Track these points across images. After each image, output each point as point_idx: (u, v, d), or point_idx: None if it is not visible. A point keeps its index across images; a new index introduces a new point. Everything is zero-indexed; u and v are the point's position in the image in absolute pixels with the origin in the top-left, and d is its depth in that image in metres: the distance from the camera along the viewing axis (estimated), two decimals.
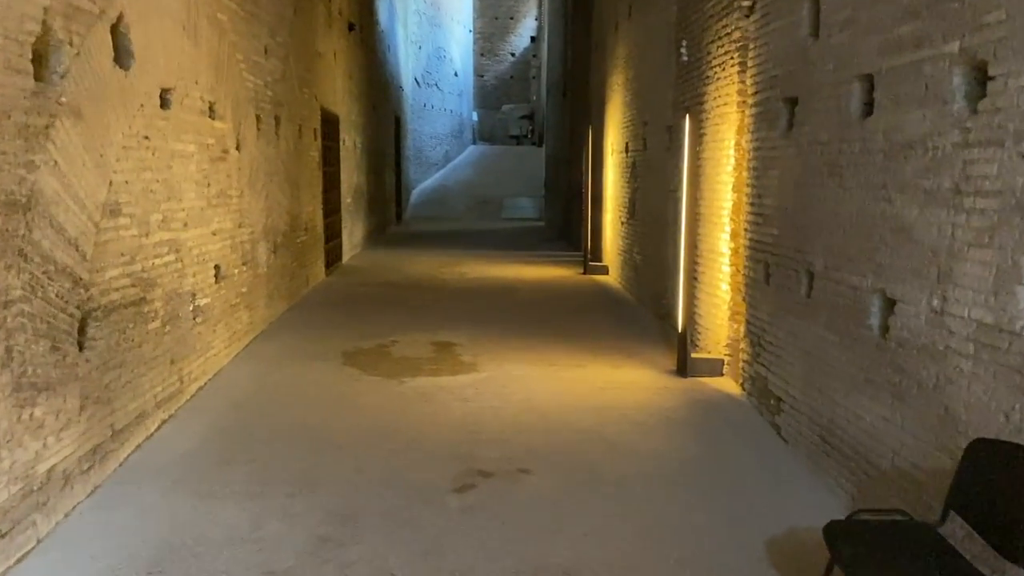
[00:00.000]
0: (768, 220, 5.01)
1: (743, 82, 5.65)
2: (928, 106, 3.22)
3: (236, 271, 6.41)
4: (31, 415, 3.30)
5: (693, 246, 5.94)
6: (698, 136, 6.31)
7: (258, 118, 7.09)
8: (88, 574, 3.14)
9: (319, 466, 4.21)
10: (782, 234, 4.77)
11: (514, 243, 16.16)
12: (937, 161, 3.15)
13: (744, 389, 5.50)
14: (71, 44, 3.61)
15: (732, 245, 5.80)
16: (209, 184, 5.74)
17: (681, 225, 6.02)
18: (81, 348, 3.78)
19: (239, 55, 6.49)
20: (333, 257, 11.24)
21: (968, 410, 2.93)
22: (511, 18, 34.72)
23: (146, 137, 4.59)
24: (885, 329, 3.54)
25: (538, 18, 32.35)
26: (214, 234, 5.84)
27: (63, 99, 3.55)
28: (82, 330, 3.79)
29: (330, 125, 10.90)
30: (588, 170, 11.13)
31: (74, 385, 3.69)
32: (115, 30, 4.11)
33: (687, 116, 5.88)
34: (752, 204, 5.33)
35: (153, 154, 4.69)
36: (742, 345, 5.56)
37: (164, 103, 4.88)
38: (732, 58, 5.80)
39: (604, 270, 11.02)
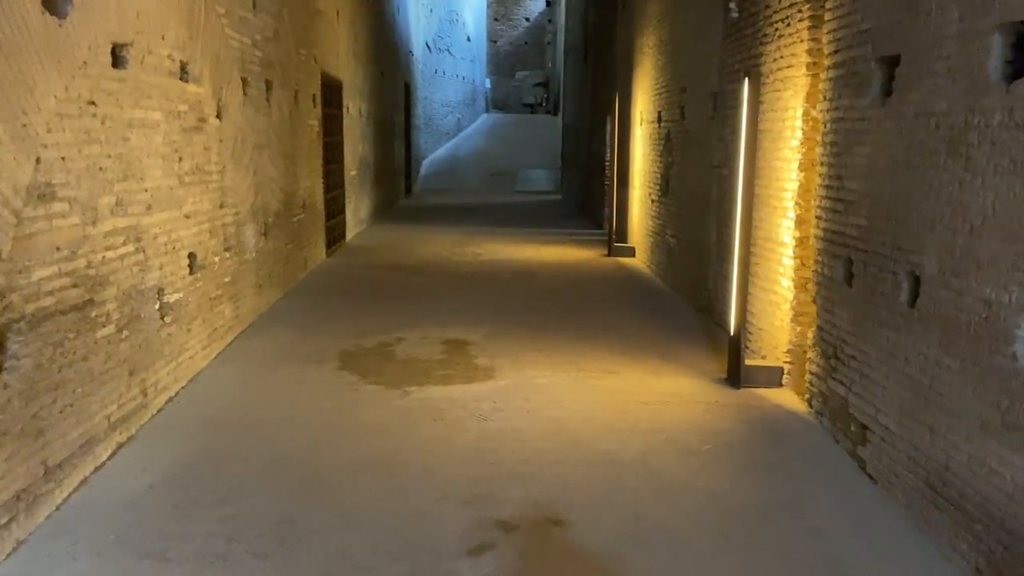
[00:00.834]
0: (852, 208, 4.11)
1: (815, 39, 4.71)
2: None
3: (217, 259, 5.57)
4: None
5: (750, 234, 5.05)
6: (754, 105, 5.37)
7: (244, 82, 6.20)
8: None
9: (300, 514, 3.38)
10: (873, 226, 3.87)
11: (530, 219, 15.25)
12: None
13: (812, 407, 4.64)
14: None
15: (797, 234, 4.91)
16: (181, 159, 4.87)
17: (736, 209, 5.12)
18: None
19: (220, 8, 5.58)
20: (336, 236, 10.39)
21: None
22: None
23: (92, 103, 3.73)
24: None
25: None
26: (187, 217, 4.99)
27: None
28: None
29: (332, 91, 9.99)
30: (614, 142, 10.19)
31: None
32: None
33: (746, 80, 4.96)
34: (828, 187, 4.42)
35: (103, 123, 3.83)
36: (810, 354, 4.69)
37: (118, 61, 4.01)
38: (800, 11, 4.86)
39: (630, 252, 10.13)
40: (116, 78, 3.98)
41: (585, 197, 15.43)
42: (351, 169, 11.55)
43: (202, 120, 5.25)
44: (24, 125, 3.16)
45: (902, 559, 3.14)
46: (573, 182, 17.60)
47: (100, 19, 3.79)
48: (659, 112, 8.67)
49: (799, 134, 4.88)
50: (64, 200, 3.48)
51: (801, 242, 4.90)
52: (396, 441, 4.17)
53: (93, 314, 3.74)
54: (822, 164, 4.53)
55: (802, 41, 4.86)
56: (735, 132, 6.02)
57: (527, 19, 34.73)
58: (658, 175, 8.73)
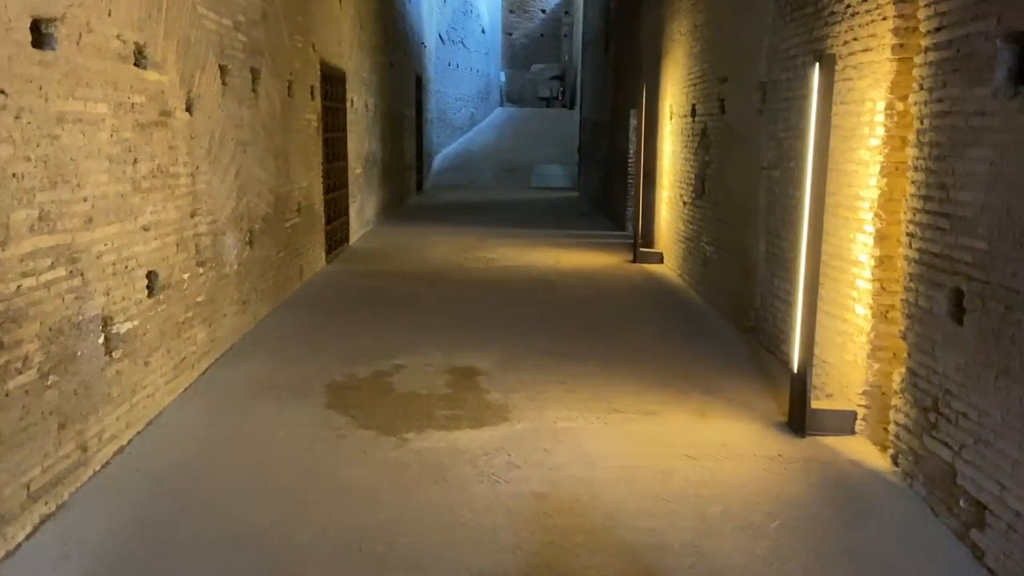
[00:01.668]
0: (964, 225, 3.25)
1: (904, 16, 3.84)
2: None
3: (187, 276, 4.77)
4: None
5: (819, 252, 4.19)
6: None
7: (223, 70, 5.39)
8: None
9: None
10: (997, 251, 3.02)
11: (546, 218, 14.40)
12: None
13: (898, 465, 3.79)
14: None
15: (877, 253, 4.05)
16: (136, 160, 4.07)
17: (801, 220, 4.26)
18: None
19: None
20: (338, 239, 9.59)
21: None
22: None
23: (1, 92, 2.93)
24: None
25: None
26: (145, 230, 4.19)
27: None
28: None
29: (333, 83, 9.17)
30: (640, 137, 9.31)
31: None
32: None
33: (816, 67, 4.10)
34: (927, 199, 3.56)
35: (17, 118, 3.03)
36: (896, 401, 3.83)
37: (42, 40, 3.21)
38: None
39: (658, 258, 9.26)
40: (38, 61, 3.18)
41: (605, 195, 14.56)
42: (356, 167, 10.74)
43: (166, 114, 4.45)
44: None
45: None
46: (591, 179, 16.73)
47: None
48: (693, 105, 7.80)
49: (880, 132, 4.02)
50: None
51: (882, 262, 4.04)
52: (387, 512, 3.36)
53: (3, 360, 2.94)
54: (917, 170, 3.66)
55: (885, 18, 3.99)
56: (791, 129, 5.16)
57: (543, 11, 33.85)
58: (692, 175, 7.87)
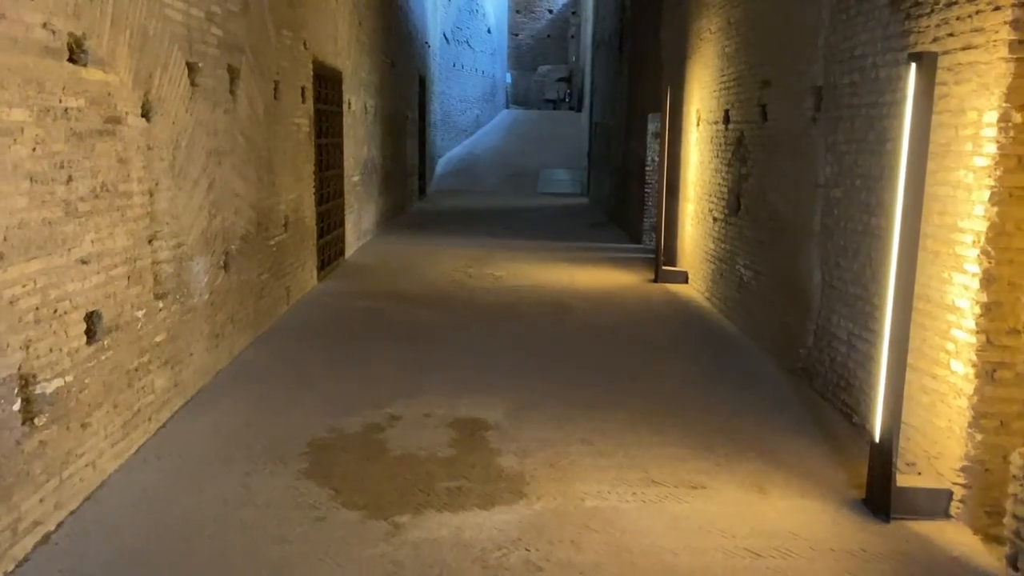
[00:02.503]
0: None
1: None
2: None
3: (141, 313, 4.00)
4: None
5: (911, 293, 3.40)
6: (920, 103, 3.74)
7: (192, 68, 4.63)
8: None
9: None
10: None
11: (556, 228, 13.61)
12: None
13: (1019, 569, 3.00)
14: None
15: (984, 298, 3.28)
16: (70, 178, 3.31)
17: (891, 256, 3.47)
18: None
19: None
20: (332, 253, 8.82)
21: None
22: None
23: None
24: None
25: None
26: (84, 263, 3.42)
27: None
28: None
29: (328, 83, 8.41)
30: (663, 145, 8.52)
31: None
32: None
33: (914, 68, 3.32)
34: None
35: None
36: (1015, 488, 3.05)
37: None
38: None
39: (682, 277, 8.47)
40: None
41: (618, 204, 13.78)
42: (353, 174, 9.97)
43: (114, 120, 3.68)
44: None
45: None
46: (603, 186, 15.95)
47: None
48: (726, 110, 7.02)
49: (989, 149, 3.25)
50: None
51: (990, 310, 3.27)
52: None
53: None
54: None
55: (999, 8, 3.22)
56: (858, 141, 4.38)
57: (550, 11, 33.09)
58: (724, 188, 7.08)
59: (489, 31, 26.25)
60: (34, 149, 3.05)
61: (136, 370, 3.95)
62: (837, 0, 4.76)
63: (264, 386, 4.99)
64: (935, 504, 3.47)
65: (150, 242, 4.11)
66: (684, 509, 3.51)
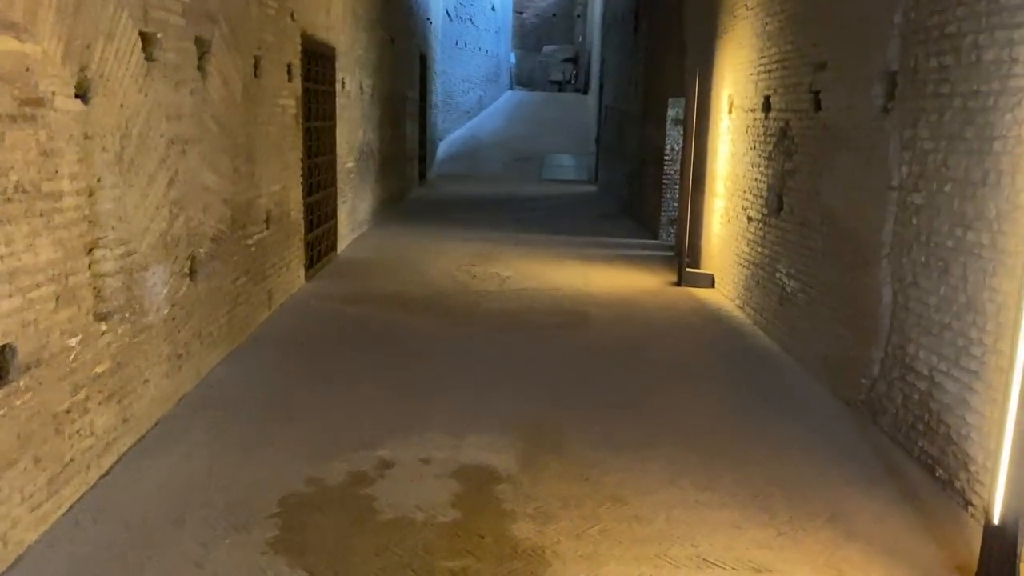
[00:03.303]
0: None
1: None
2: None
3: (75, 341, 3.24)
4: None
5: None
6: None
7: (147, 39, 3.85)
8: None
9: None
10: None
11: (565, 219, 12.83)
12: None
13: None
14: None
15: None
16: None
17: (1019, 296, 2.71)
18: None
19: None
20: (323, 249, 8.06)
21: None
22: None
23: None
24: None
25: None
26: None
27: None
28: None
29: (319, 60, 7.61)
30: (691, 133, 7.73)
31: None
32: None
33: None
34: None
35: None
36: None
37: None
38: None
39: (707, 280, 7.71)
40: None
41: (632, 195, 12.99)
42: (347, 160, 9.18)
43: (33, 103, 2.91)
44: None
45: None
46: (614, 175, 15.15)
47: None
48: (766, 96, 6.23)
49: None
50: None
51: None
52: None
53: None
54: None
55: None
56: (949, 138, 3.62)
57: None
58: (763, 184, 6.30)
59: (493, 8, 25.32)
60: None
61: (68, 412, 3.21)
62: None
63: (234, 417, 4.24)
64: None
65: (89, 252, 3.35)
66: None
